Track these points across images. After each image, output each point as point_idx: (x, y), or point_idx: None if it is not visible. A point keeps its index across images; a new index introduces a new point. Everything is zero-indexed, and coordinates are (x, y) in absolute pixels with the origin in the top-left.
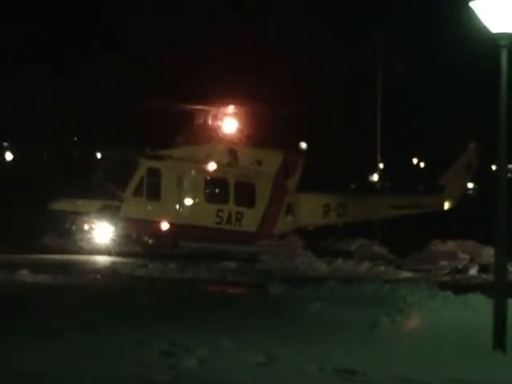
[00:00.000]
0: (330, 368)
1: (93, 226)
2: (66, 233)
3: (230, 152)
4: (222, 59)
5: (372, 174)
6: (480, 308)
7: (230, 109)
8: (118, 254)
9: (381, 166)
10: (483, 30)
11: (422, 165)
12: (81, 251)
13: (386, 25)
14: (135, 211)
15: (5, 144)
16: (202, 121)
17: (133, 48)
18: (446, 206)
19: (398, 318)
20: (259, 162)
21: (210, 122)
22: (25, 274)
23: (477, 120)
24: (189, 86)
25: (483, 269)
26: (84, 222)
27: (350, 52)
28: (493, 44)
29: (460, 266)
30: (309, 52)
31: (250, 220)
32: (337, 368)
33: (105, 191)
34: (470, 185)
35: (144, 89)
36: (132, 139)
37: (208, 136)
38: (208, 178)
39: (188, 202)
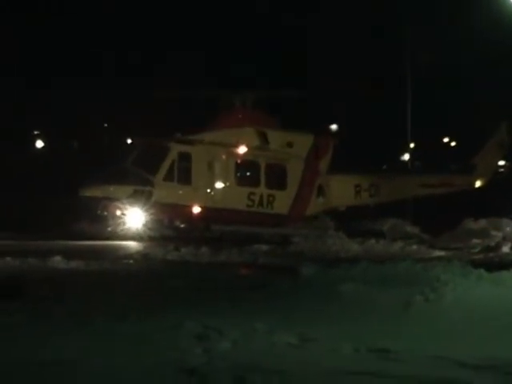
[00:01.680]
0: (364, 348)
1: (124, 211)
2: (97, 219)
3: (261, 135)
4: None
5: (403, 153)
6: None
7: (260, 92)
8: (150, 239)
9: (411, 145)
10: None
11: (452, 144)
12: (113, 237)
13: (413, 9)
14: (166, 196)
15: (35, 132)
16: (231, 105)
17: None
18: (478, 184)
19: (432, 296)
20: (290, 145)
21: (239, 105)
22: (57, 261)
23: (508, 99)
24: (217, 70)
25: None
26: (115, 208)
27: (380, 34)
28: None
29: (493, 244)
30: (336, 35)
31: (282, 202)
32: (371, 348)
33: (136, 177)
34: (502, 162)
35: (171, 73)
36: (162, 124)
37: (238, 120)
38: (239, 162)
39: (219, 185)
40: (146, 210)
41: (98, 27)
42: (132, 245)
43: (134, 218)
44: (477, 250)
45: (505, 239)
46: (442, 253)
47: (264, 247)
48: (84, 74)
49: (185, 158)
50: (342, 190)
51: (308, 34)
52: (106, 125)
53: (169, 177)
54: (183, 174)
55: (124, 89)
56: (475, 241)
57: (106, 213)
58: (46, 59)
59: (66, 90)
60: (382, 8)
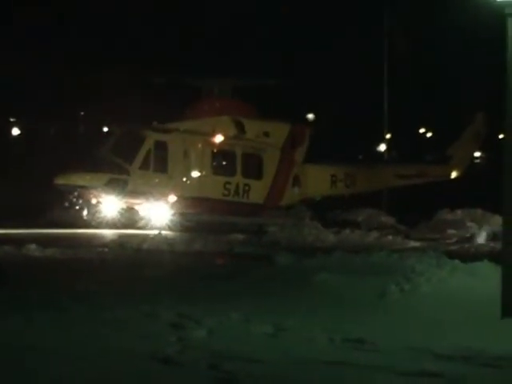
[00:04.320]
0: (338, 338)
1: (100, 199)
2: (73, 207)
3: (237, 124)
4: (224, 33)
5: (379, 144)
6: (488, 276)
7: (236, 82)
8: (126, 228)
9: (388, 136)
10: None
11: (428, 134)
12: (88, 225)
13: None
14: (142, 185)
15: (11, 119)
16: (208, 94)
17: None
18: (453, 175)
19: (407, 286)
20: (266, 134)
21: (216, 94)
22: (33, 249)
23: (483, 90)
24: (193, 59)
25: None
26: (91, 196)
27: (357, 24)
28: (498, 14)
29: (468, 235)
30: (313, 25)
31: (258, 192)
32: (346, 338)
33: (112, 165)
34: (478, 153)
35: (146, 63)
36: (138, 113)
37: (214, 109)
38: (215, 151)
39: (195, 174)
40: (122, 199)
41: (81, 14)
42: (107, 233)
43: (109, 206)
44: (452, 241)
45: (480, 230)
46: (417, 243)
47: (239, 236)
48: (60, 60)
49: (161, 146)
50: (318, 180)
51: (288, 23)
52: (82, 113)
53: (145, 165)
54: (159, 162)
55: (101, 76)
56: (451, 232)
57: (81, 201)
58: (23, 44)
59: (42, 76)
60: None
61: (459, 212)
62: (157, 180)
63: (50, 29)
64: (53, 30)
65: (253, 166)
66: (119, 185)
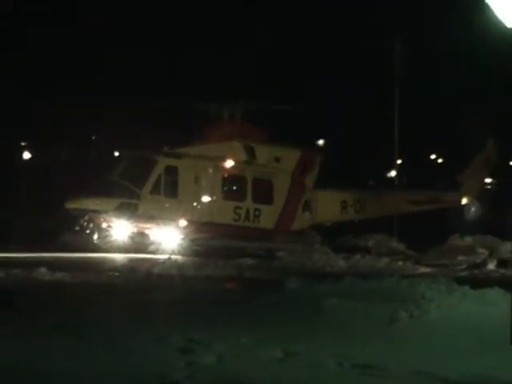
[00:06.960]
0: (347, 363)
1: (110, 224)
2: (83, 231)
3: (248, 149)
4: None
5: (390, 170)
6: (498, 302)
7: (246, 106)
8: (136, 252)
9: (398, 161)
10: (498, 25)
11: (439, 160)
12: (98, 249)
13: (401, 25)
14: (153, 209)
15: (22, 143)
16: (218, 118)
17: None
18: (464, 201)
19: (416, 313)
20: (277, 159)
21: (226, 119)
22: (43, 273)
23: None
24: (204, 83)
25: (501, 264)
26: (102, 220)
27: (366, 51)
28: (509, 39)
29: (478, 261)
30: (323, 51)
31: (268, 217)
32: (355, 363)
33: (122, 189)
34: (488, 180)
35: (158, 87)
36: (149, 137)
37: (225, 134)
38: (225, 176)
39: (205, 199)
40: (132, 223)
41: (86, 41)
42: (118, 257)
43: (120, 230)
44: (462, 267)
45: (490, 256)
46: (427, 269)
47: (249, 261)
48: (71, 85)
49: (172, 171)
50: (328, 206)
51: (300, 49)
52: (93, 137)
53: (155, 190)
54: (170, 187)
55: (112, 101)
56: (461, 258)
57: (92, 225)
58: (33, 70)
59: (53, 101)
60: (370, 26)
61: (469, 238)
62: (167, 205)
63: (65, 51)
64: (66, 52)
65: (263, 191)
66: (130, 209)
